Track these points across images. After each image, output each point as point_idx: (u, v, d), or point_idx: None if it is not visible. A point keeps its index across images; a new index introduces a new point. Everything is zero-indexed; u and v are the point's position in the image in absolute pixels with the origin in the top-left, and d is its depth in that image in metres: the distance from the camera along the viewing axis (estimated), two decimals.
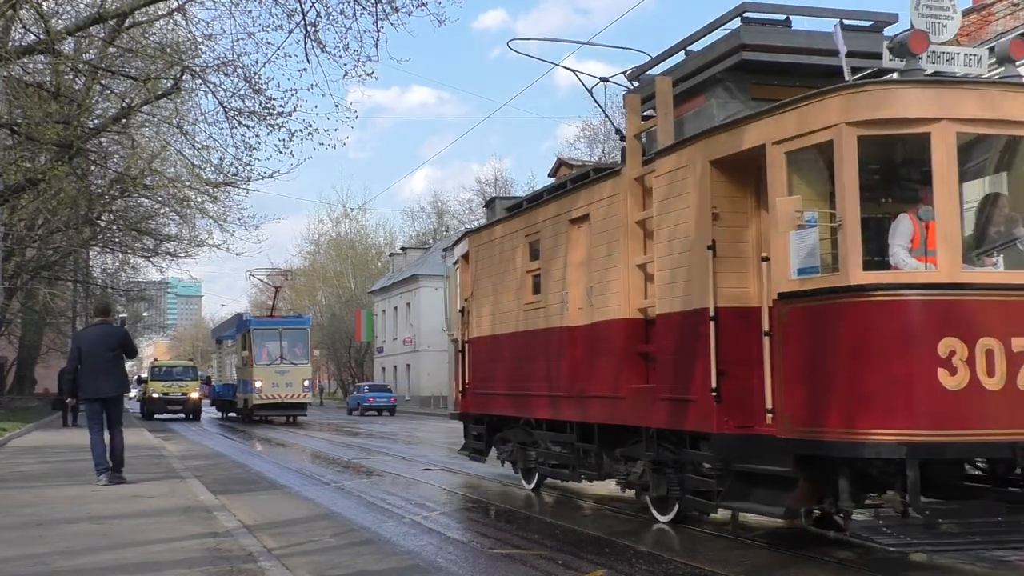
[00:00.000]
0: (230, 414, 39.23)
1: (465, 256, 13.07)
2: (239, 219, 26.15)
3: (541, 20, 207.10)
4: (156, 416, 37.06)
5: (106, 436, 11.18)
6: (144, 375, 42.14)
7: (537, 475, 11.32)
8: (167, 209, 28.15)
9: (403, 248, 66.17)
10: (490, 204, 13.52)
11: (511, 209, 11.90)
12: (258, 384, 32.44)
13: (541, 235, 10.54)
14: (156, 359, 41.10)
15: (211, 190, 21.46)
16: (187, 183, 20.97)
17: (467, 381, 12.77)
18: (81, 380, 11.23)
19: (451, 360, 50.48)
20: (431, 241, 66.06)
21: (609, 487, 10.40)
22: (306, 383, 33.58)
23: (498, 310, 11.67)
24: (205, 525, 7.94)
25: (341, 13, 16.65)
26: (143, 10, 17.55)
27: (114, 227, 32.43)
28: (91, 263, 39.61)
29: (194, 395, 37.64)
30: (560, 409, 10.00)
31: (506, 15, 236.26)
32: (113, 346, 11.01)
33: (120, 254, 36.67)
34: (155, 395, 37.08)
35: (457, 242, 14.30)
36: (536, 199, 11.18)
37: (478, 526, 9.10)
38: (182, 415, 37.77)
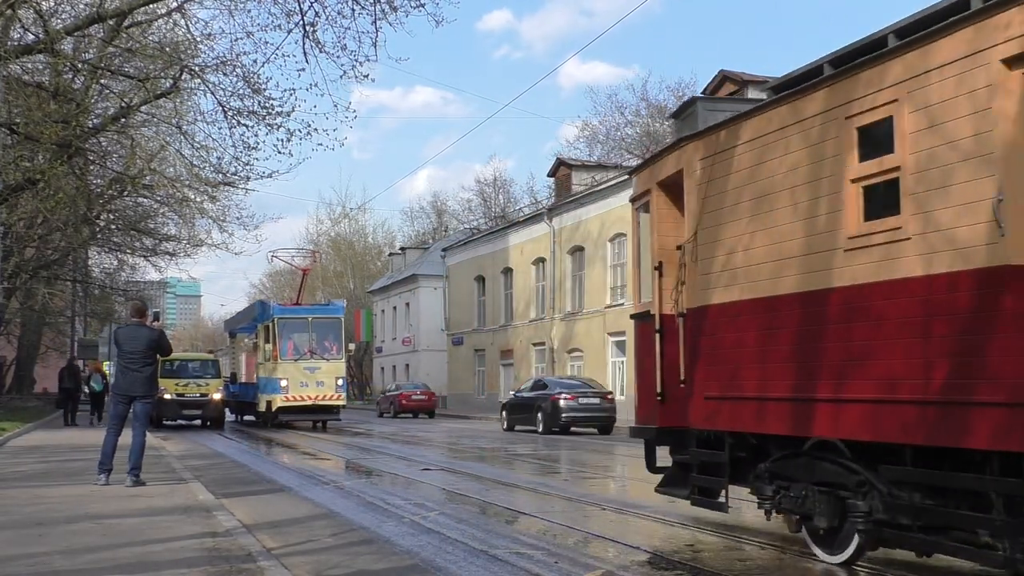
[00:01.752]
0: (246, 417, 33.76)
1: (670, 180, 8.25)
2: (238, 219, 26.32)
3: (546, 21, 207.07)
4: (167, 422, 29.26)
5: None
6: None
7: (856, 540, 6.55)
8: (166, 209, 28.25)
9: (402, 248, 66.24)
10: (686, 110, 8.76)
11: (784, 88, 7.18)
12: (283, 383, 27.64)
13: (900, 107, 5.85)
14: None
15: (210, 190, 21.51)
16: (186, 183, 21.01)
17: (683, 377, 7.93)
18: (116, 377, 11.60)
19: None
20: (430, 241, 66.12)
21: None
22: (340, 382, 28.50)
23: (769, 255, 6.97)
24: (204, 525, 7.94)
25: (339, 13, 16.71)
26: (142, 10, 17.56)
27: (113, 227, 32.45)
28: (90, 263, 39.64)
29: (216, 396, 29.60)
30: (969, 428, 5.35)
31: (511, 16, 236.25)
32: (144, 348, 11.23)
33: (119, 254, 36.62)
34: (166, 396, 28.23)
35: (650, 162, 8.92)
36: (873, 48, 6.27)
37: (478, 526, 9.09)
38: (199, 421, 30.37)
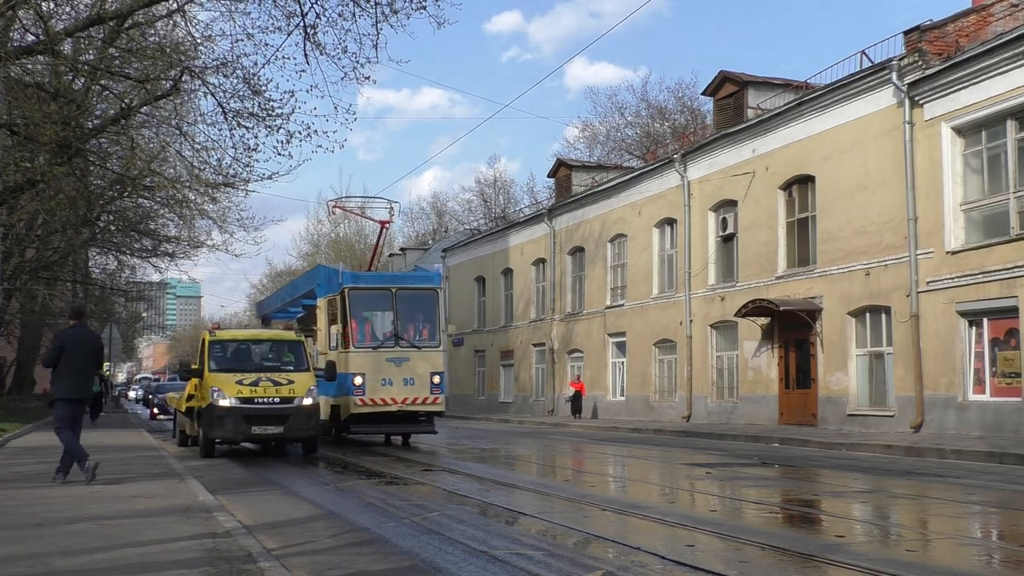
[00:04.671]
0: None
1: None
2: (238, 220, 26.33)
3: (555, 23, 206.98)
4: (220, 443, 18.04)
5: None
6: (191, 363, 20.28)
7: None
8: (166, 210, 28.25)
9: (402, 249, 66.15)
10: None
11: None
12: (358, 380, 19.53)
13: None
14: (216, 328, 20.96)
15: (210, 191, 21.51)
16: (186, 184, 21.01)
17: None
18: (61, 379, 11.49)
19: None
20: (430, 242, 66.07)
21: None
22: (437, 379, 20.14)
23: None
24: (204, 525, 7.95)
25: (340, 15, 16.71)
26: (142, 11, 17.56)
27: (113, 228, 32.46)
28: (90, 264, 39.66)
29: (307, 401, 17.54)
30: None
31: (520, 18, 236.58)
32: (92, 349, 11.42)
33: (119, 255, 36.61)
34: (221, 402, 17.04)
35: None
36: None
37: (478, 527, 9.09)
38: (280, 441, 18.50)
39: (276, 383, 17.53)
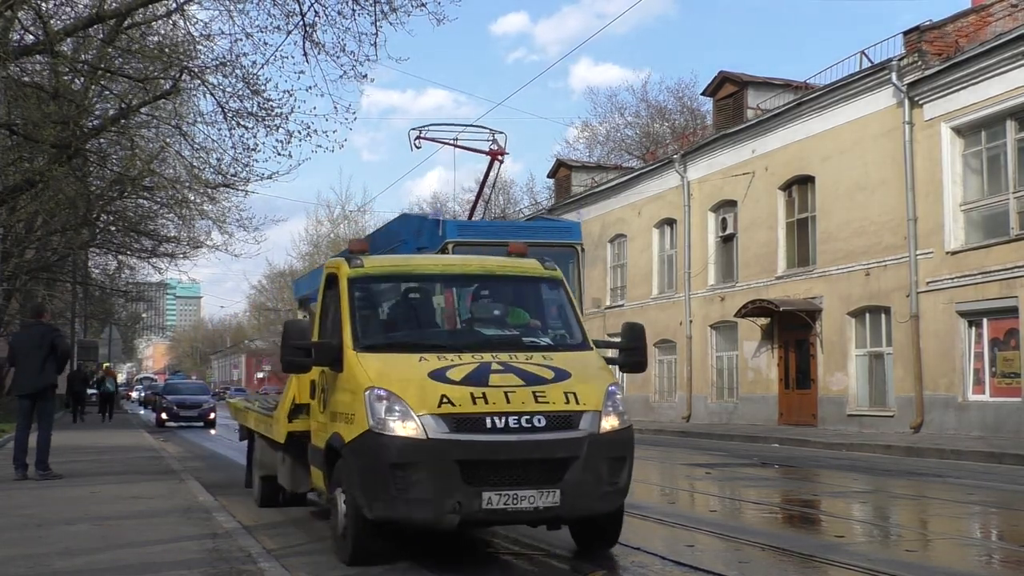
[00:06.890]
0: None
1: None
2: (238, 220, 26.25)
3: (561, 24, 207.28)
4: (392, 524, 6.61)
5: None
6: (304, 330, 7.53)
7: None
8: (166, 211, 28.19)
9: None
10: None
11: None
12: None
13: None
14: (360, 249, 8.01)
15: (210, 191, 21.49)
16: (186, 184, 20.98)
17: None
18: (14, 378, 12.26)
19: None
20: None
21: None
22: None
23: None
24: (204, 526, 7.94)
25: (339, 14, 16.67)
26: (141, 11, 17.54)
27: (113, 228, 32.41)
28: (89, 264, 39.58)
29: (611, 422, 6.95)
30: None
31: (526, 19, 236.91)
32: (45, 345, 11.63)
33: (118, 255, 36.49)
34: (404, 428, 6.35)
35: None
36: None
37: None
38: (553, 522, 6.76)
39: (530, 378, 6.89)
